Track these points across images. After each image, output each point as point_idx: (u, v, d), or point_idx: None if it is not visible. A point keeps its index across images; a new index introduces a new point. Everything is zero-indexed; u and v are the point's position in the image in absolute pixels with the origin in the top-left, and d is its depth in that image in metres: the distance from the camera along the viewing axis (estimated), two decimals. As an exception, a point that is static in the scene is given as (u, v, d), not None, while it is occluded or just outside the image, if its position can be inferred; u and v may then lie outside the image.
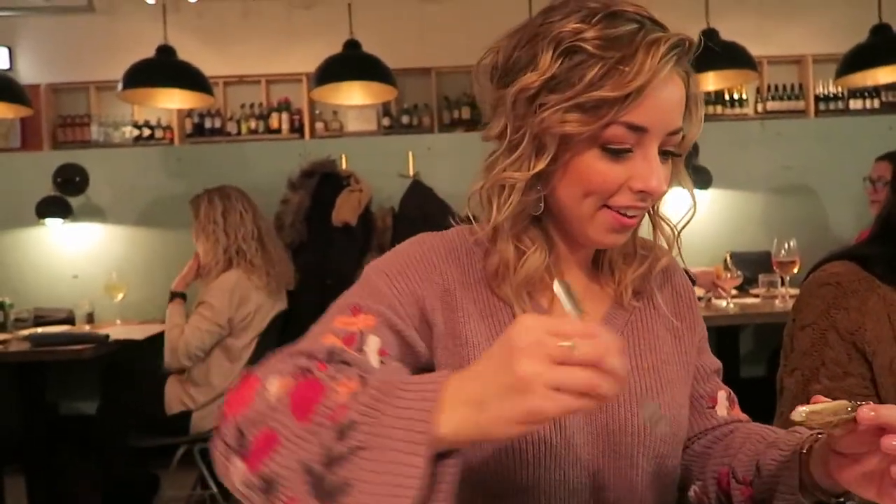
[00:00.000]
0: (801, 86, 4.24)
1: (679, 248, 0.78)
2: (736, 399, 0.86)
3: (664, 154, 0.68)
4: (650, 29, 0.64)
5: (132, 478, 2.43)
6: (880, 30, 3.11)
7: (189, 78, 3.04)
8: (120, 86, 2.96)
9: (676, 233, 0.77)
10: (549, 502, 0.69)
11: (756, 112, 4.21)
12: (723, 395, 0.84)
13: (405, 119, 4.28)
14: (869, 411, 0.54)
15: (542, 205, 0.71)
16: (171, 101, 3.31)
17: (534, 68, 0.66)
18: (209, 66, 3.35)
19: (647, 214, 0.76)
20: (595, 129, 0.64)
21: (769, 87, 4.23)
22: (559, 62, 0.64)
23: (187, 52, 3.20)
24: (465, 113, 4.23)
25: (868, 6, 3.25)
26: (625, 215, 0.68)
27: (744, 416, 0.84)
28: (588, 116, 0.64)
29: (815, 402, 0.58)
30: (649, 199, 0.68)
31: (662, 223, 0.77)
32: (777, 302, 2.63)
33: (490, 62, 0.72)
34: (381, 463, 0.47)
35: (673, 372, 0.78)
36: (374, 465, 0.47)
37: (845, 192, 3.29)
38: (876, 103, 4.18)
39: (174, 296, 2.47)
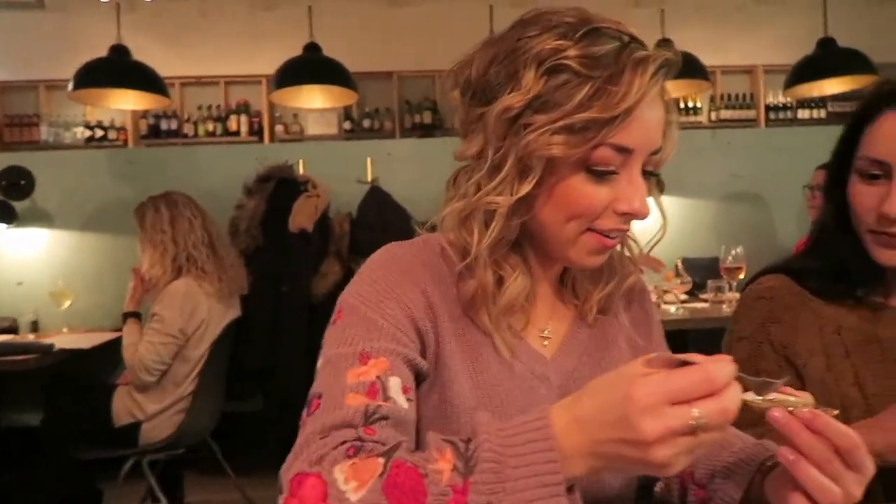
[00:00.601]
0: (752, 95, 4.36)
1: (643, 267, 0.80)
2: None
3: (644, 174, 0.67)
4: (633, 47, 0.63)
5: (75, 493, 2.35)
6: (825, 43, 3.23)
7: (143, 78, 2.97)
8: (71, 85, 2.87)
9: (646, 251, 0.77)
10: None
11: (710, 120, 4.31)
12: None
13: (367, 123, 4.26)
14: (779, 415, 0.55)
15: (518, 229, 0.69)
16: (125, 102, 3.23)
17: (515, 86, 0.63)
18: (165, 66, 3.28)
19: None
20: (583, 151, 0.62)
21: (722, 97, 4.34)
22: (543, 81, 0.62)
23: (143, 52, 3.12)
24: (427, 117, 4.22)
25: (816, 19, 3.37)
26: (607, 237, 0.67)
27: None
28: (576, 138, 0.61)
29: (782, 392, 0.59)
30: (631, 221, 0.68)
31: (630, 241, 0.77)
32: (724, 307, 2.70)
33: (462, 74, 0.70)
34: None
35: None
36: None
37: (792, 200, 3.39)
38: (823, 113, 4.32)
39: (127, 316, 2.38)
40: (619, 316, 0.81)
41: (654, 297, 2.85)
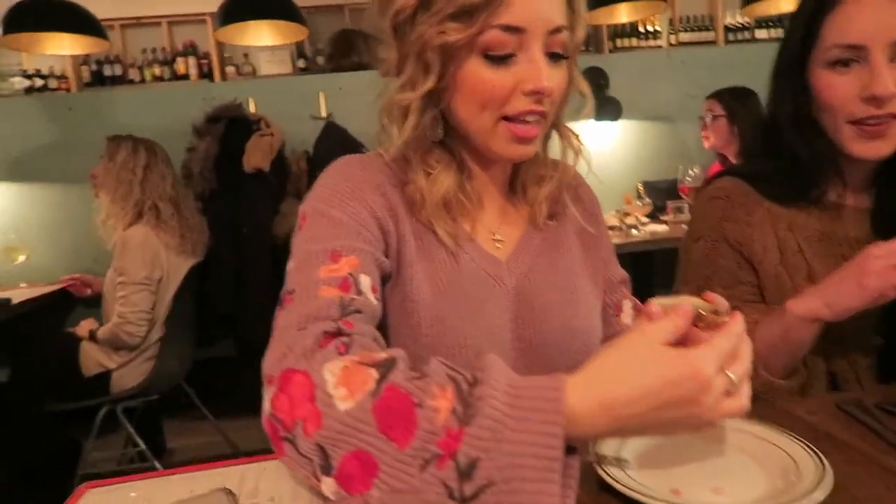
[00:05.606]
0: (711, 17, 4.31)
1: (588, 162, 0.81)
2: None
3: (553, 57, 0.69)
4: None
5: (51, 446, 2.36)
6: (781, -42, 3.18)
7: (78, 20, 2.80)
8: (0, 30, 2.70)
9: (580, 142, 0.80)
10: None
11: (669, 44, 4.27)
12: (628, 304, 0.89)
13: (321, 60, 4.12)
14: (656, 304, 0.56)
15: (440, 130, 0.72)
16: (61, 47, 3.04)
17: None
18: (102, 7, 3.09)
19: (554, 130, 0.78)
20: (471, 35, 0.65)
21: (681, 20, 4.28)
22: None
23: (74, -8, 2.92)
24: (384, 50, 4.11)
25: (771, -66, 3.29)
26: (524, 122, 0.69)
27: None
28: (462, 24, 0.64)
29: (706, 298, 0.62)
30: (546, 101, 0.69)
31: (570, 134, 0.79)
32: (685, 226, 2.75)
33: None
34: (514, 494, 0.44)
35: (587, 285, 0.82)
36: (506, 497, 0.44)
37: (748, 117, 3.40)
38: (780, 32, 4.30)
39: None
40: (568, 208, 0.83)
41: (615, 221, 2.89)
